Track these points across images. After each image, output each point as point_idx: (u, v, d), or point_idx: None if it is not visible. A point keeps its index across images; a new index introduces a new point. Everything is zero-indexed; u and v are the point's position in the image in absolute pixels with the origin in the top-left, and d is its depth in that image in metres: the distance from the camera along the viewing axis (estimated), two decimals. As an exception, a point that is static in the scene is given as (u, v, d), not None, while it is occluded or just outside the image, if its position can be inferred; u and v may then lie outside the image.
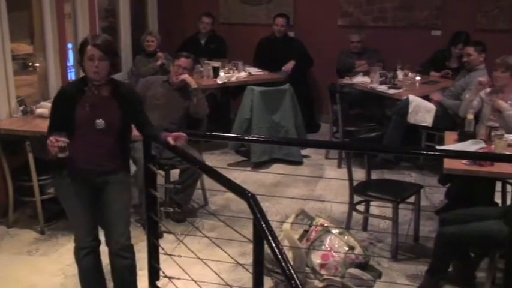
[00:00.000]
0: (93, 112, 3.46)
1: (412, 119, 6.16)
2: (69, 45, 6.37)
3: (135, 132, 5.08)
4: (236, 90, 7.34)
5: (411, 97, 6.19)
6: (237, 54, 7.63)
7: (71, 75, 6.37)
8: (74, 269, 4.16)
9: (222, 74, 6.95)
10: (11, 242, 4.84)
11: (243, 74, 7.13)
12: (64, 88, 3.57)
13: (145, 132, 3.73)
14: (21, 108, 5.27)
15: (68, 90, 3.54)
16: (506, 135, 4.51)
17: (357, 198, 4.85)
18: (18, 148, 4.89)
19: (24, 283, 4.19)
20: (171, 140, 3.51)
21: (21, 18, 5.91)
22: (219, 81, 6.85)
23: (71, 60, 6.33)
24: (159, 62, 6.92)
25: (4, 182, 5.02)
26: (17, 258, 4.56)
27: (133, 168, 5.44)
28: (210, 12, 7.88)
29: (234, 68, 7.16)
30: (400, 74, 6.95)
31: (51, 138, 3.25)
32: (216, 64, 7.04)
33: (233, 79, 6.97)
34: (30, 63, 6.06)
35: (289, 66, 7.56)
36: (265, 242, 2.50)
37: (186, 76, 5.32)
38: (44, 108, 5.07)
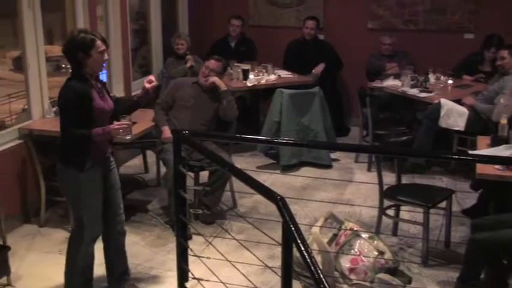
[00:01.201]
0: (104, 101, 3.76)
1: (443, 123, 6.09)
2: (101, 48, 6.43)
3: (165, 135, 5.15)
4: (265, 92, 7.34)
5: (443, 101, 6.13)
6: (266, 56, 7.63)
7: (102, 77, 6.43)
8: (103, 268, 4.22)
9: (251, 76, 6.95)
10: (43, 241, 4.90)
11: (272, 77, 7.12)
12: (75, 87, 3.66)
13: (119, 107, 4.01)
14: (53, 109, 5.34)
15: (83, 87, 3.66)
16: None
17: (386, 203, 4.80)
18: (50, 148, 4.95)
19: (54, 281, 4.23)
20: (147, 85, 3.93)
21: (55, 20, 5.99)
22: (249, 84, 6.86)
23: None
24: (188, 64, 6.97)
25: (36, 182, 5.10)
26: (48, 256, 4.62)
27: (163, 169, 5.48)
28: (240, 14, 7.90)
29: (264, 71, 7.16)
30: (431, 78, 6.88)
31: (121, 123, 3.70)
32: (246, 67, 7.05)
33: (263, 82, 6.97)
34: (63, 65, 6.14)
35: (319, 69, 7.54)
36: (294, 245, 2.49)
37: (215, 79, 5.33)
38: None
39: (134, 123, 3.91)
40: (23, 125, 5.18)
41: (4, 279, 4.15)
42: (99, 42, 3.64)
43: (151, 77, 4.02)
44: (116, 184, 3.96)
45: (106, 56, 3.72)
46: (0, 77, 6.01)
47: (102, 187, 3.82)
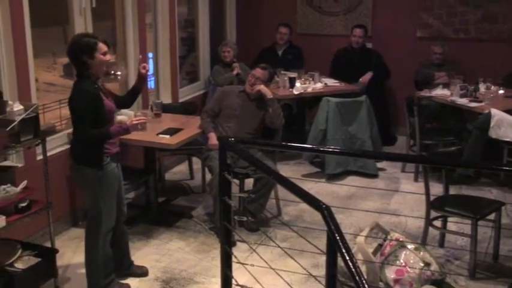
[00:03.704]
0: (110, 101, 3.94)
1: (493, 133, 5.97)
2: (150, 55, 6.53)
3: (212, 141, 5.18)
4: (312, 101, 7.32)
5: (493, 111, 6.01)
6: (313, 64, 7.61)
7: (151, 84, 6.52)
8: (150, 272, 4.27)
9: (298, 84, 6.94)
10: (89, 245, 4.96)
11: (319, 85, 7.10)
12: (87, 89, 3.79)
13: (125, 100, 4.32)
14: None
15: (93, 89, 3.80)
16: None
17: (433, 214, 4.73)
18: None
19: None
20: (143, 71, 4.22)
21: (105, 28, 6.09)
22: (295, 92, 6.85)
23: (151, 69, 6.48)
24: (234, 72, 7.00)
25: (84, 187, 5.17)
26: (94, 261, 4.68)
27: (208, 176, 5.52)
28: (288, 22, 7.90)
29: (311, 79, 7.14)
30: (481, 87, 6.76)
31: (139, 119, 3.92)
32: (293, 75, 7.04)
33: (309, 90, 6.95)
34: (112, 72, 6.24)
35: (366, 77, 7.49)
36: (338, 254, 2.47)
37: (262, 87, 5.33)
38: (124, 115, 5.18)
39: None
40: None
41: (51, 282, 4.22)
42: (101, 44, 3.79)
43: (145, 64, 4.32)
44: (121, 176, 4.14)
45: (108, 57, 3.85)
46: (51, 83, 6.12)
47: (118, 179, 4.03)
